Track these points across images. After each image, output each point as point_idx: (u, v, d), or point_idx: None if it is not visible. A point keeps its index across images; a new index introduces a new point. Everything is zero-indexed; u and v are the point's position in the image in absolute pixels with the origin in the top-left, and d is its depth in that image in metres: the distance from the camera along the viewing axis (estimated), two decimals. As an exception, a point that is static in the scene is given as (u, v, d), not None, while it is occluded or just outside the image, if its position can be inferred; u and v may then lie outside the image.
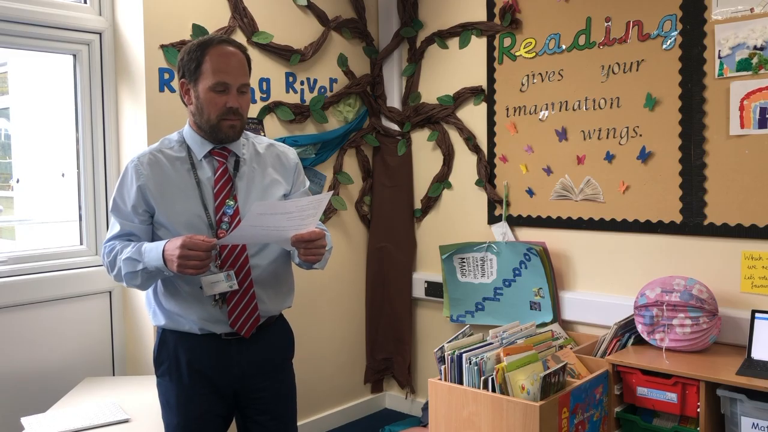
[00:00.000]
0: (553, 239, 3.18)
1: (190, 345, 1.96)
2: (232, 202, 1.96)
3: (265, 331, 2.03)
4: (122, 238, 1.96)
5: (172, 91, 2.91)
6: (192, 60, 1.91)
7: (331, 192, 2.04)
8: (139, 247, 1.89)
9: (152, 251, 1.86)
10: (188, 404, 1.98)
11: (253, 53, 3.20)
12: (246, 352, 1.99)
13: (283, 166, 2.10)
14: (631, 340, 2.74)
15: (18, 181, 3.22)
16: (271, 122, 3.31)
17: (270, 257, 2.02)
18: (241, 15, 3.13)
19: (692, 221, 2.77)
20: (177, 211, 1.93)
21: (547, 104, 3.18)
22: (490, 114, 3.40)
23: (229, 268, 1.92)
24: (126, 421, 2.28)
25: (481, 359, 2.33)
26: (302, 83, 3.45)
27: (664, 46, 2.81)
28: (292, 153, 2.15)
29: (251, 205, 1.97)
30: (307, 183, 2.21)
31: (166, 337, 2.00)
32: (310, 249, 1.90)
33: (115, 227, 1.98)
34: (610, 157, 2.98)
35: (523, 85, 3.27)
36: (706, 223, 2.73)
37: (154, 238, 1.97)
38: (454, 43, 3.55)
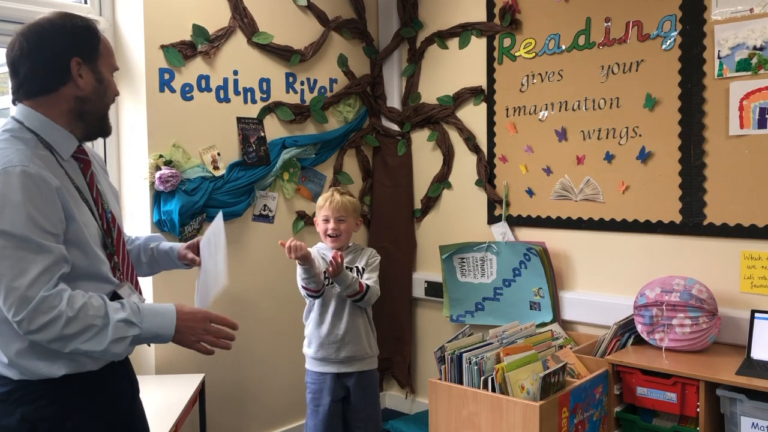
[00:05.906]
0: (553, 239, 3.18)
1: None
2: (107, 207, 1.67)
3: None
4: (61, 274, 1.46)
5: (173, 91, 2.91)
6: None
7: (220, 211, 1.93)
8: (135, 307, 1.52)
9: (158, 316, 1.53)
10: None
11: (254, 53, 3.21)
12: None
13: (105, 171, 1.82)
14: (630, 340, 2.74)
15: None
16: (271, 122, 3.31)
17: None
18: (241, 15, 3.13)
19: (692, 221, 2.77)
20: (84, 222, 1.54)
21: (546, 104, 3.18)
22: (490, 114, 3.40)
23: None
24: (126, 420, 2.28)
25: (481, 359, 2.33)
26: (302, 83, 3.45)
27: (664, 47, 2.81)
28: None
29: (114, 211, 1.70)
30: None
31: None
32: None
33: (43, 260, 1.41)
34: (609, 157, 2.98)
35: (522, 85, 3.27)
36: (705, 223, 2.73)
37: None
38: (454, 43, 3.55)
